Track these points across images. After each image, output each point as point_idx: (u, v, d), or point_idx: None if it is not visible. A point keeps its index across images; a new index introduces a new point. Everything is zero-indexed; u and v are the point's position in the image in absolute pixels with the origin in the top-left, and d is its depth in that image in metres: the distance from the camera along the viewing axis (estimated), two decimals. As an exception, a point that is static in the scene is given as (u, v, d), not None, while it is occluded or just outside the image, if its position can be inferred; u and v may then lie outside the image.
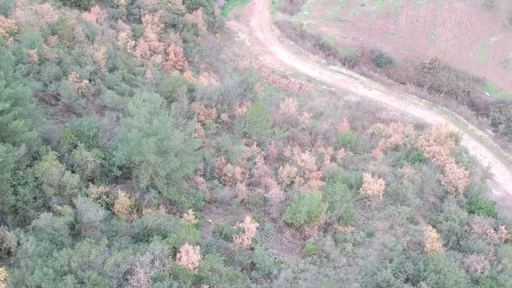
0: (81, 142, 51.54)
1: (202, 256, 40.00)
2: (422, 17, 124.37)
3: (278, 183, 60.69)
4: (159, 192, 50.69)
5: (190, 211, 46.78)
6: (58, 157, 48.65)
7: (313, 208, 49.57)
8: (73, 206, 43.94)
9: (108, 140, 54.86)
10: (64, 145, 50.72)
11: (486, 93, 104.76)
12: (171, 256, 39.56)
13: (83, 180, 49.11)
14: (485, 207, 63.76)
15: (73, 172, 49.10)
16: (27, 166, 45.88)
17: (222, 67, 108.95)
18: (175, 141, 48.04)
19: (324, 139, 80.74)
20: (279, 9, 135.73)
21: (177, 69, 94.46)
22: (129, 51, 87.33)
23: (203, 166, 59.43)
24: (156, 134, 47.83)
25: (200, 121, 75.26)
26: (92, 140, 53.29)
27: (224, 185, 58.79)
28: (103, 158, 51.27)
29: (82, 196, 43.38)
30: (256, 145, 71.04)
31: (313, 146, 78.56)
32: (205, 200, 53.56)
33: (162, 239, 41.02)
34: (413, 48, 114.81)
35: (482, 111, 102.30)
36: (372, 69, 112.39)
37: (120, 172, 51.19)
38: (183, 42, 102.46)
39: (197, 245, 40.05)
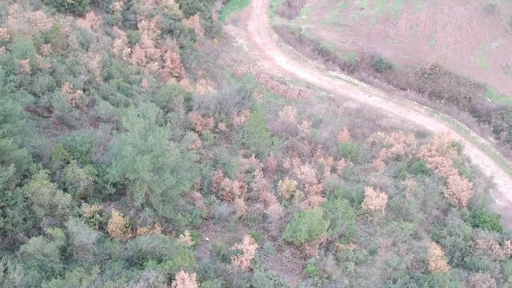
0: (73, 159, 49.81)
1: (199, 284, 38.28)
2: (422, 22, 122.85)
3: (278, 197, 58.98)
4: (155, 210, 48.95)
5: (186, 232, 45.03)
6: (49, 174, 46.96)
7: (314, 226, 47.92)
8: (64, 227, 42.16)
9: (102, 155, 53.10)
10: (56, 161, 48.96)
11: (487, 99, 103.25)
12: (166, 284, 37.84)
13: (76, 199, 47.33)
14: (490, 221, 62.17)
15: (65, 190, 47.39)
16: (16, 185, 44.08)
17: (219, 73, 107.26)
18: (171, 158, 46.35)
19: (324, 149, 79.10)
20: (277, 13, 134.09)
21: (174, 76, 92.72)
22: (125, 58, 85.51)
23: (200, 180, 57.71)
24: (151, 151, 46.16)
25: (197, 132, 73.64)
26: (85, 155, 51.53)
27: (222, 200, 57.07)
28: (97, 175, 49.53)
29: (73, 218, 41.56)
30: (255, 156, 69.41)
31: (312, 156, 76.93)
32: (202, 218, 51.83)
33: (157, 264, 39.30)
34: (413, 53, 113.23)
35: (483, 117, 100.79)
36: (372, 75, 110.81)
37: (114, 190, 49.40)
38: (180, 48, 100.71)
39: (193, 272, 38.30)
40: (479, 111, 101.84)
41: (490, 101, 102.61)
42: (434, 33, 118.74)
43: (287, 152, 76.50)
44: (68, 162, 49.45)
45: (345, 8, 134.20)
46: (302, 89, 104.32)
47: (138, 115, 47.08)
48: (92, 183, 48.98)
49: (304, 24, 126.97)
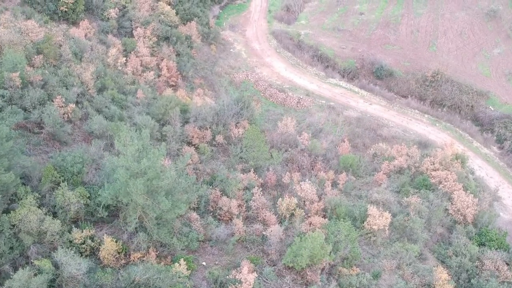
0: (64, 180, 47.69)
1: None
2: (423, 27, 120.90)
3: (277, 216, 56.86)
4: (149, 234, 46.79)
5: (182, 261, 42.86)
6: (38, 198, 44.83)
7: (316, 251, 45.86)
8: (53, 257, 39.98)
9: (94, 175, 50.86)
10: (46, 184, 46.78)
11: (490, 107, 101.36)
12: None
13: (66, 224, 45.17)
14: (496, 239, 60.20)
15: (54, 214, 45.33)
16: (3, 211, 41.88)
17: (217, 80, 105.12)
18: (166, 181, 44.19)
19: (324, 161, 77.09)
20: (276, 18, 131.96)
21: (171, 86, 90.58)
22: (120, 68, 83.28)
23: (196, 199, 55.51)
24: (144, 174, 43.97)
25: (194, 145, 71.52)
26: (77, 176, 49.35)
27: (219, 220, 54.95)
28: (88, 197, 47.35)
29: (62, 248, 39.37)
30: (254, 171, 67.31)
31: (313, 169, 74.88)
32: (199, 241, 49.68)
33: (151, 297, 37.24)
34: (414, 59, 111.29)
35: (486, 126, 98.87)
36: (372, 82, 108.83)
37: (107, 213, 47.22)
38: (176, 55, 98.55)
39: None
40: (481, 120, 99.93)
41: (492, 109, 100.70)
42: (435, 39, 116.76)
43: (287, 165, 74.46)
44: (59, 184, 47.32)
45: (344, 12, 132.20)
46: (301, 97, 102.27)
47: (131, 136, 44.84)
48: (84, 206, 46.82)
49: (303, 30, 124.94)
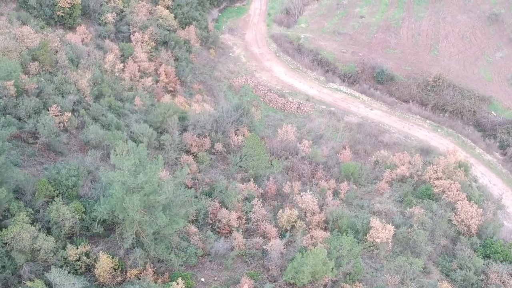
0: (58, 194, 46.40)
1: None
2: (424, 31, 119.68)
3: (278, 229, 55.53)
4: (146, 250, 45.47)
5: (180, 280, 41.51)
6: (32, 213, 43.50)
7: (318, 267, 44.57)
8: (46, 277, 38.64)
9: (89, 189, 49.49)
10: (40, 198, 45.44)
11: (492, 112, 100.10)
12: None
13: (61, 239, 43.84)
14: (501, 251, 58.95)
15: (49, 230, 44.04)
16: (-5, 228, 40.53)
17: (216, 85, 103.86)
18: (163, 196, 42.86)
19: (325, 169, 75.79)
20: (276, 21, 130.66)
21: (169, 91, 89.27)
22: (117, 74, 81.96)
23: (195, 211, 54.19)
24: (141, 189, 42.65)
25: (193, 153, 70.21)
26: (72, 189, 48.03)
27: (218, 233, 53.61)
28: (84, 212, 46.05)
29: (56, 268, 38.03)
30: (253, 180, 65.99)
31: (313, 177, 73.60)
32: (197, 256, 48.34)
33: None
34: (416, 64, 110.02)
35: (489, 132, 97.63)
36: (373, 87, 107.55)
37: (102, 229, 45.88)
38: (175, 60, 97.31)
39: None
40: (484, 125, 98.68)
41: (495, 114, 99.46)
42: (436, 43, 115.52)
43: (287, 173, 73.20)
44: (53, 198, 45.99)
45: (344, 16, 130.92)
46: (301, 102, 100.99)
47: (128, 150, 43.50)
48: (79, 220, 45.48)
49: (302, 33, 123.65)
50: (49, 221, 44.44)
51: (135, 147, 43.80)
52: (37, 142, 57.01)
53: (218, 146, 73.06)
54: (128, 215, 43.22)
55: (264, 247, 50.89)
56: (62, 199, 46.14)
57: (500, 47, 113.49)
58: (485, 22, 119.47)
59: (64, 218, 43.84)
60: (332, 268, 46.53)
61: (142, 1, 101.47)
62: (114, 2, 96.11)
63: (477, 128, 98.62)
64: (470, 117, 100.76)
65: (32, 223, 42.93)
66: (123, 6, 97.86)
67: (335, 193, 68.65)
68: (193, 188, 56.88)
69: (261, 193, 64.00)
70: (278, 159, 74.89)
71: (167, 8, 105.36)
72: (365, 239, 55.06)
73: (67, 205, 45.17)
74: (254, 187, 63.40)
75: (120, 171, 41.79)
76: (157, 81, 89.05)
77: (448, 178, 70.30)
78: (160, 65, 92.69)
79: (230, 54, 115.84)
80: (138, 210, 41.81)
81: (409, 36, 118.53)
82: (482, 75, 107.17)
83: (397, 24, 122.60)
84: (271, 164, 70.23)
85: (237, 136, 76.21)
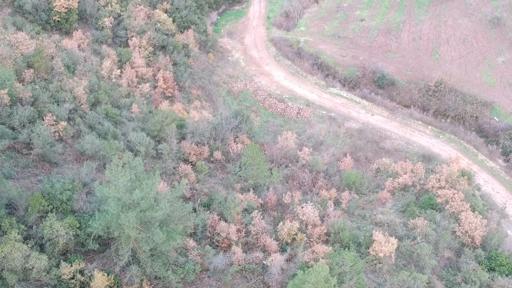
0: (52, 209, 45.16)
1: None
2: (425, 34, 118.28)
3: (278, 242, 54.17)
4: (142, 267, 44.11)
5: (177, 301, 40.25)
6: (25, 230, 42.19)
7: (320, 285, 43.15)
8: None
9: (84, 203, 48.11)
10: (33, 213, 44.10)
11: (495, 118, 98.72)
12: None
13: (54, 257, 42.55)
14: (507, 264, 57.63)
15: (42, 247, 42.76)
16: (-15, 247, 39.13)
17: (215, 90, 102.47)
18: (160, 212, 41.49)
19: (326, 177, 74.46)
20: (275, 24, 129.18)
21: (167, 97, 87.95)
22: (114, 80, 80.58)
23: (193, 224, 52.80)
24: (137, 205, 41.28)
25: (191, 162, 68.87)
26: (66, 204, 46.71)
27: (217, 246, 52.24)
28: (78, 227, 44.73)
29: (49, 289, 36.75)
30: (253, 189, 64.66)
31: (314, 186, 72.28)
32: (196, 273, 46.95)
33: None
34: (417, 68, 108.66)
35: (491, 137, 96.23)
36: (373, 91, 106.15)
37: (98, 245, 44.51)
38: (173, 65, 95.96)
39: None
40: (486, 131, 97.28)
41: (497, 120, 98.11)
42: (437, 47, 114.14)
43: (287, 182, 71.89)
44: (47, 213, 44.66)
45: (344, 19, 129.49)
46: (301, 107, 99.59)
47: (124, 164, 42.09)
48: (73, 237, 44.14)
49: (302, 37, 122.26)
50: (43, 238, 43.13)
51: (131, 161, 42.39)
52: (31, 153, 55.68)
53: (217, 155, 71.76)
54: (123, 232, 41.87)
55: (264, 262, 49.51)
56: (56, 214, 44.97)
57: (502, 51, 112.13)
58: (487, 25, 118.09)
59: (58, 234, 42.55)
60: (334, 286, 45.15)
61: (140, 5, 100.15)
62: (111, 6, 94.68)
63: (480, 134, 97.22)
64: (472, 122, 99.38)
65: (25, 240, 41.73)
66: (121, 10, 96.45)
67: (336, 203, 67.36)
68: (191, 201, 55.57)
69: (261, 204, 62.67)
70: (278, 167, 73.63)
71: (165, 12, 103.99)
72: (368, 252, 53.69)
73: (61, 221, 43.90)
74: (254, 197, 62.04)
75: (115, 186, 40.39)
76: (155, 87, 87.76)
77: (451, 187, 69.06)
78: (158, 70, 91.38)
79: (229, 58, 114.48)
80: (134, 227, 40.46)
81: (410, 40, 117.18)
82: (484, 80, 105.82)
83: (397, 27, 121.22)
84: (271, 173, 68.85)
85: (237, 143, 74.91)
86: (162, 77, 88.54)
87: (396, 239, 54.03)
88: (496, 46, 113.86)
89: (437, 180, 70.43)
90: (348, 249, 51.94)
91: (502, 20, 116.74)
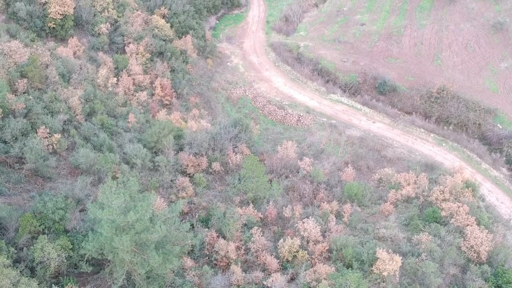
0: (44, 229, 43.40)
1: None
2: (426, 39, 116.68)
3: (279, 260, 52.45)
4: (138, 290, 42.41)
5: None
6: (15, 252, 40.40)
7: (322, 309, 41.62)
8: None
9: (78, 222, 46.33)
10: (24, 235, 42.32)
11: (498, 125, 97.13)
12: None
13: (46, 281, 40.76)
14: (514, 281, 55.91)
15: (33, 270, 40.92)
16: (-27, 272, 37.35)
17: (214, 97, 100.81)
18: (156, 234, 39.77)
19: (327, 189, 72.69)
20: (274, 29, 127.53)
21: (165, 105, 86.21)
22: (110, 89, 78.80)
23: (191, 244, 51.06)
24: (132, 227, 39.54)
25: (189, 174, 67.15)
26: (59, 224, 44.90)
27: (215, 265, 50.51)
28: (71, 249, 42.98)
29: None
30: (253, 203, 62.98)
31: (315, 198, 70.54)
32: (193, 295, 45.35)
33: None
34: (419, 74, 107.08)
35: (494, 145, 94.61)
36: (375, 98, 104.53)
37: (91, 268, 42.75)
38: (171, 72, 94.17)
39: None
40: (489, 139, 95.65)
41: (501, 127, 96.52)
42: (439, 52, 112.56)
43: (287, 194, 70.17)
44: (39, 233, 42.92)
45: (345, 23, 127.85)
46: (301, 114, 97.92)
47: (118, 184, 40.30)
48: (66, 259, 42.39)
49: (302, 42, 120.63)
50: (33, 260, 41.36)
51: (126, 180, 40.66)
52: (23, 168, 53.88)
53: (216, 166, 70.04)
54: (117, 255, 40.15)
55: (265, 282, 47.79)
56: (48, 234, 43.32)
57: (505, 56, 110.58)
58: (489, 30, 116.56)
59: (50, 257, 40.77)
60: (338, 308, 43.56)
61: (137, 11, 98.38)
62: (108, 12, 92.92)
63: (483, 142, 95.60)
64: (475, 130, 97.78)
65: (14, 263, 39.95)
66: (118, 16, 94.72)
67: (338, 215, 65.66)
68: (189, 216, 53.87)
69: (261, 218, 60.98)
70: (278, 178, 72.01)
71: (163, 17, 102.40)
72: (371, 270, 51.98)
73: (53, 242, 42.13)
74: (254, 212, 60.32)
75: (108, 208, 38.63)
76: (152, 95, 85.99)
77: (456, 199, 67.29)
78: (156, 77, 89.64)
79: (228, 63, 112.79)
80: (128, 250, 38.74)
81: (412, 45, 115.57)
82: (487, 86, 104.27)
83: (399, 32, 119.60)
84: (271, 185, 67.10)
85: (236, 154, 73.26)
86: (160, 84, 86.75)
87: (400, 256, 52.31)
88: (499, 51, 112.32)
89: (441, 192, 68.67)
90: (351, 267, 50.18)
91: (505, 25, 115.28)
